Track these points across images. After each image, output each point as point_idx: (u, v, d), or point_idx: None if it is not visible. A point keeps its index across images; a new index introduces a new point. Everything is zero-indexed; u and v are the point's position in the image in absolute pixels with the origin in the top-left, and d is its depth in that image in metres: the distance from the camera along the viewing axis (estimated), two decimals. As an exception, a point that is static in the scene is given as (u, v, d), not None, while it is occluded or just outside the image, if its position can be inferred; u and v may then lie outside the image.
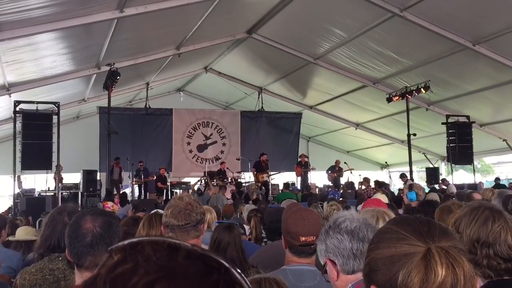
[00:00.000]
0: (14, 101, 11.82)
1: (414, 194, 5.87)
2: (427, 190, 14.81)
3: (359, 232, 1.75)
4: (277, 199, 12.98)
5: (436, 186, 15.37)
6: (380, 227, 1.20)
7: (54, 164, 11.77)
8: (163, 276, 0.53)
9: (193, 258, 0.56)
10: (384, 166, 22.34)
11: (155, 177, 16.25)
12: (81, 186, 13.90)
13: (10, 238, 4.97)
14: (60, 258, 2.44)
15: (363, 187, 13.81)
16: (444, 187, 14.83)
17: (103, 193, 14.15)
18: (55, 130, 11.77)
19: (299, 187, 17.29)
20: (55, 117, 11.88)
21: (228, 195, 14.07)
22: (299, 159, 18.10)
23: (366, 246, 1.66)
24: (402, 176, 15.70)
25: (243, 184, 16.30)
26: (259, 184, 15.99)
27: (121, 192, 15.48)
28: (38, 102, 11.87)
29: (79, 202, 13.06)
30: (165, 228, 2.58)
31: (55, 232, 2.55)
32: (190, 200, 2.61)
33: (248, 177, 17.15)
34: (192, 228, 2.55)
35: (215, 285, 0.55)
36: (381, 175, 21.25)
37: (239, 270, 0.59)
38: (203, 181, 16.18)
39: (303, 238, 2.32)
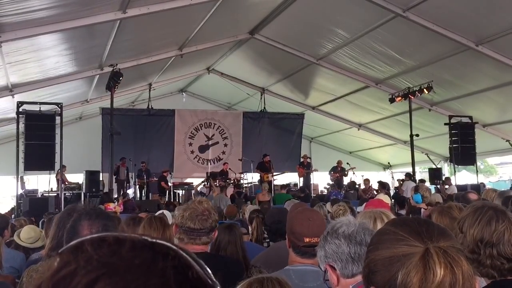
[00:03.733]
0: (17, 102, 11.84)
1: (420, 196, 5.83)
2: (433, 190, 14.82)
3: (357, 236, 1.77)
4: (273, 201, 12.96)
5: (437, 187, 15.34)
6: (379, 229, 1.21)
7: (57, 165, 11.78)
8: (104, 273, 0.52)
9: (138, 249, 0.55)
10: (387, 167, 22.31)
11: (155, 179, 16.24)
12: (83, 186, 13.94)
13: (16, 239, 4.96)
14: None
15: (363, 186, 13.82)
16: (446, 186, 14.81)
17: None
18: (58, 131, 11.76)
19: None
20: (58, 118, 11.88)
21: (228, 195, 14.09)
22: (301, 160, 18.11)
23: (364, 250, 1.67)
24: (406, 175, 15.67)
25: (245, 185, 16.31)
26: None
27: (123, 192, 15.52)
28: (41, 103, 11.88)
29: (82, 202, 13.08)
30: (177, 228, 2.59)
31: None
32: (208, 207, 2.65)
33: (250, 178, 17.15)
34: (205, 234, 2.57)
35: (162, 272, 0.53)
36: (384, 176, 21.23)
37: (192, 254, 0.57)
38: (206, 183, 16.19)
39: (307, 239, 2.32)
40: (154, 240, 0.57)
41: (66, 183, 14.65)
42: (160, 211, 5.20)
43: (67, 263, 0.54)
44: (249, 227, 5.29)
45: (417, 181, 14.33)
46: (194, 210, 2.58)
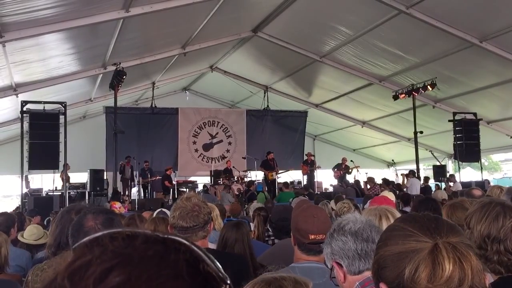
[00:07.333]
0: (21, 101, 11.87)
1: None
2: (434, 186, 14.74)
3: (363, 233, 1.77)
4: (277, 199, 12.92)
5: (443, 184, 15.30)
6: (387, 226, 1.21)
7: (61, 163, 11.81)
8: (119, 262, 0.54)
9: (151, 242, 0.57)
10: (391, 164, 22.26)
11: (158, 177, 16.24)
12: (88, 185, 13.97)
13: (19, 237, 4.97)
14: None
15: (369, 186, 13.77)
16: (451, 183, 14.76)
17: (110, 193, 14.20)
18: (62, 130, 11.79)
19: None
20: (62, 117, 11.91)
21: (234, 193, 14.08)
22: (305, 158, 18.09)
23: (370, 246, 1.68)
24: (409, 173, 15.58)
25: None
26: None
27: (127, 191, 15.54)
28: (45, 102, 11.91)
29: (86, 201, 13.12)
30: (172, 229, 2.59)
31: (64, 231, 2.57)
32: (197, 201, 2.60)
33: (254, 176, 17.15)
34: (200, 229, 2.56)
35: (175, 264, 0.55)
36: (388, 173, 21.18)
37: (203, 248, 0.59)
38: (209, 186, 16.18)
39: (312, 236, 2.31)
40: (165, 236, 0.59)
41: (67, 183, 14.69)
42: (159, 210, 5.20)
43: (83, 255, 0.56)
44: (252, 224, 5.30)
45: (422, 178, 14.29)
46: (183, 208, 2.53)
